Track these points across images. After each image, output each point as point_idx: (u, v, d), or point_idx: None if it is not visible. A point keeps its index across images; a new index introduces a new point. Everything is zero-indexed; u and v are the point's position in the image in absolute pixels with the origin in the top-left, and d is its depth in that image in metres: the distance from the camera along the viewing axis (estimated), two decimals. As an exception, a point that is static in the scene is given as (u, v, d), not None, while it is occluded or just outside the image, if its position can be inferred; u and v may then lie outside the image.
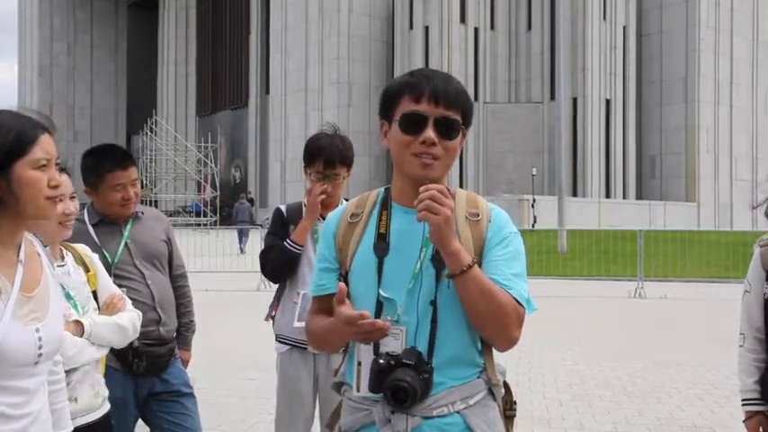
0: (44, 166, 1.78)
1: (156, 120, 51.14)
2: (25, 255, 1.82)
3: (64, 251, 2.64)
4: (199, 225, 39.05)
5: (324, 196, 3.41)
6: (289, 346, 3.49)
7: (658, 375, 7.58)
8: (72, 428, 2.06)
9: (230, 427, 5.80)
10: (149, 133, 49.67)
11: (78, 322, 2.46)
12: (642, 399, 6.62)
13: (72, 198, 2.59)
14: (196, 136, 57.68)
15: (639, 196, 45.78)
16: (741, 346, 2.81)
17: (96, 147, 3.38)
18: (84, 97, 67.99)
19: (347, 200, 3.51)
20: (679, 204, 43.91)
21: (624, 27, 45.54)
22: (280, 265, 3.47)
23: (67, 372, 2.39)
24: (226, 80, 60.07)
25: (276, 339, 3.57)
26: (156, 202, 45.95)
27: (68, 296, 2.50)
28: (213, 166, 48.48)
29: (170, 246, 3.56)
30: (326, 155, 3.40)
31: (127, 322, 2.61)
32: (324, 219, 3.44)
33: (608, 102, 44.49)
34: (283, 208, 3.59)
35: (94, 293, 2.64)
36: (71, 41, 67.54)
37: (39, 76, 66.21)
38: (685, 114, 45.32)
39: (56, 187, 1.80)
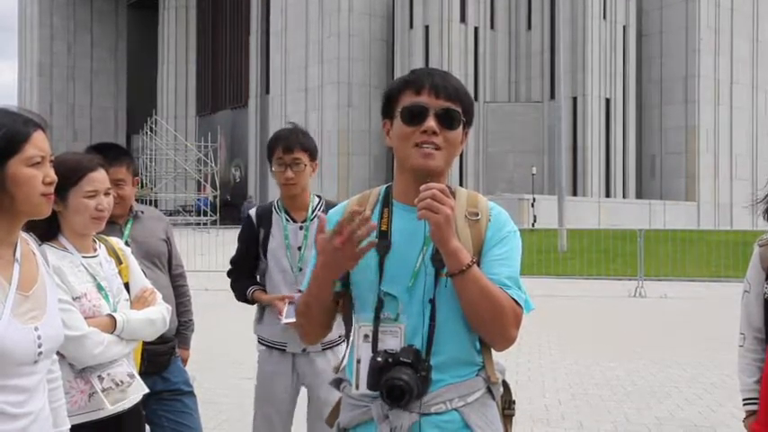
0: (38, 163, 1.77)
1: (155, 119, 51.12)
2: (21, 253, 1.82)
3: (96, 243, 2.65)
4: (198, 224, 39.08)
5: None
6: (267, 348, 3.55)
7: (658, 375, 7.58)
8: (69, 426, 2.05)
9: (230, 426, 5.80)
10: (149, 133, 49.66)
11: (111, 317, 2.46)
12: (642, 398, 6.61)
13: (107, 194, 2.60)
14: (196, 135, 57.65)
15: (639, 196, 45.78)
16: (741, 345, 2.81)
17: (94, 145, 3.37)
18: (84, 97, 67.97)
19: (319, 196, 3.58)
20: (679, 204, 43.91)
21: (624, 27, 45.52)
22: (236, 296, 3.65)
23: (99, 365, 2.42)
24: (226, 80, 60.06)
25: (257, 341, 3.64)
26: (155, 201, 45.91)
27: (100, 287, 2.51)
28: (213, 165, 48.46)
29: (169, 245, 3.56)
30: (284, 142, 3.46)
31: (157, 316, 2.62)
32: (291, 219, 3.50)
33: (608, 101, 44.48)
34: (253, 213, 3.59)
35: (127, 286, 2.65)
36: (71, 41, 67.53)
37: (38, 76, 66.19)
38: (685, 114, 45.30)
39: (50, 184, 1.80)
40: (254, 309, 3.71)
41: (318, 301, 1.94)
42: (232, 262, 3.67)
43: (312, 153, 3.51)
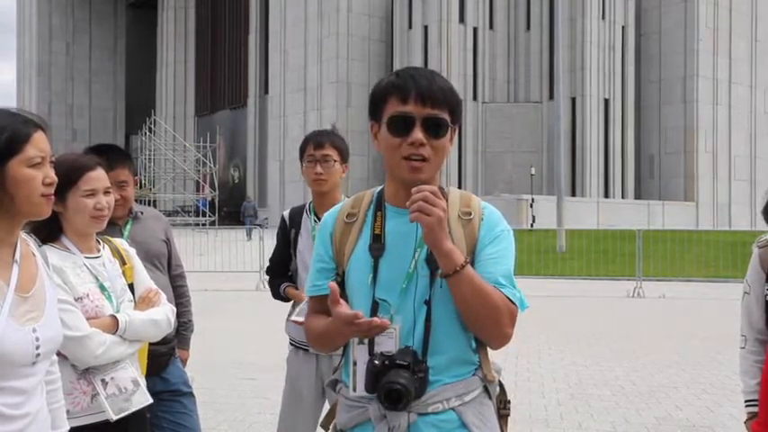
0: (38, 163, 1.77)
1: (154, 119, 51.11)
2: (21, 254, 1.82)
3: (100, 244, 2.64)
4: (198, 225, 39.16)
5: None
6: (294, 347, 3.59)
7: (657, 375, 7.59)
8: (68, 428, 2.05)
9: (229, 426, 5.81)
10: (148, 133, 49.65)
11: (114, 317, 2.46)
12: (640, 398, 6.62)
13: (106, 193, 2.59)
14: (195, 136, 57.63)
15: (638, 196, 45.80)
16: (742, 348, 2.81)
17: (93, 146, 3.37)
18: (83, 97, 67.94)
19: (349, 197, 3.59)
20: (678, 204, 43.93)
21: (623, 26, 45.54)
22: (273, 294, 3.75)
23: (102, 367, 2.41)
24: (224, 80, 60.03)
25: (289, 342, 3.68)
26: (154, 201, 45.91)
27: (102, 288, 2.50)
28: (212, 165, 48.47)
29: (169, 246, 3.57)
30: (316, 138, 3.53)
31: (161, 317, 2.61)
32: (319, 219, 3.53)
33: (606, 101, 44.49)
34: (286, 214, 3.70)
35: (131, 286, 2.64)
36: (70, 41, 67.48)
37: (37, 76, 66.14)
38: (684, 114, 45.33)
39: (50, 185, 1.80)
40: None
41: (336, 343, 2.00)
42: (269, 261, 3.82)
43: (343, 154, 3.55)
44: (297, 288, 3.57)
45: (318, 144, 3.49)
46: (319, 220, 3.51)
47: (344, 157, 3.55)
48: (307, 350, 3.49)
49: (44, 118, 1.91)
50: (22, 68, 69.65)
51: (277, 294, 3.68)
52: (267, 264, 3.90)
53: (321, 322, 1.97)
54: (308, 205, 3.64)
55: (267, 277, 3.87)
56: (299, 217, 3.61)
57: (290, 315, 3.61)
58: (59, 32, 66.93)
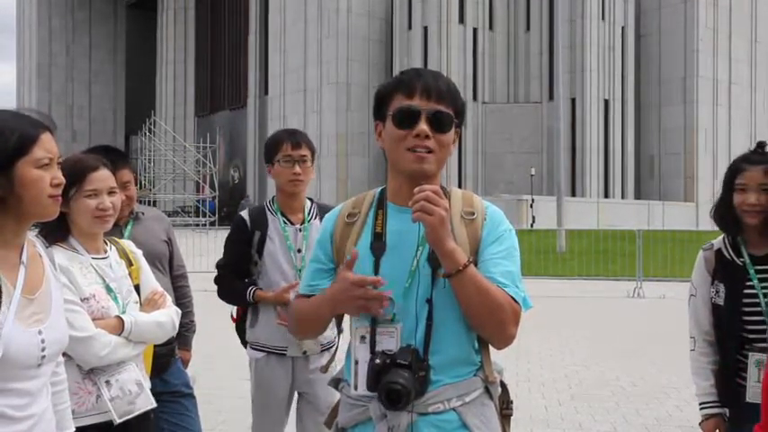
0: (46, 165, 1.77)
1: (154, 120, 51.12)
2: (27, 256, 1.82)
3: (108, 245, 2.64)
4: (197, 225, 39.14)
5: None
6: (265, 353, 3.46)
7: (657, 375, 7.59)
8: (74, 429, 2.05)
9: (228, 427, 5.81)
10: (148, 134, 49.67)
11: (119, 319, 2.46)
12: (641, 399, 6.62)
13: (111, 193, 2.58)
14: (195, 136, 57.69)
15: (638, 196, 45.83)
16: (692, 350, 2.86)
17: (91, 148, 3.37)
18: (83, 97, 67.97)
19: (310, 199, 3.53)
20: (677, 204, 43.96)
21: (623, 27, 45.59)
22: (231, 299, 3.52)
23: (107, 368, 2.41)
24: (224, 80, 60.08)
25: (250, 347, 3.53)
26: (154, 202, 45.92)
27: (109, 289, 2.50)
28: (212, 166, 48.48)
29: (171, 246, 3.56)
30: (292, 138, 3.43)
31: (166, 319, 2.61)
32: (290, 221, 3.43)
33: (606, 102, 44.53)
34: (245, 215, 3.49)
35: (137, 288, 2.64)
36: (69, 42, 67.53)
37: (37, 77, 66.19)
38: (684, 114, 45.37)
39: (58, 186, 1.80)
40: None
41: (321, 318, 2.01)
42: (222, 266, 3.54)
43: (314, 154, 3.50)
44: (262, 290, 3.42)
45: (296, 144, 3.40)
46: (288, 221, 3.42)
47: (314, 155, 3.50)
48: (281, 354, 3.40)
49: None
50: (21, 69, 69.69)
51: (241, 299, 3.43)
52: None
53: (310, 299, 1.99)
54: (269, 205, 3.49)
55: (216, 286, 3.56)
56: (262, 218, 3.43)
57: (252, 323, 3.47)
58: (59, 33, 66.97)
